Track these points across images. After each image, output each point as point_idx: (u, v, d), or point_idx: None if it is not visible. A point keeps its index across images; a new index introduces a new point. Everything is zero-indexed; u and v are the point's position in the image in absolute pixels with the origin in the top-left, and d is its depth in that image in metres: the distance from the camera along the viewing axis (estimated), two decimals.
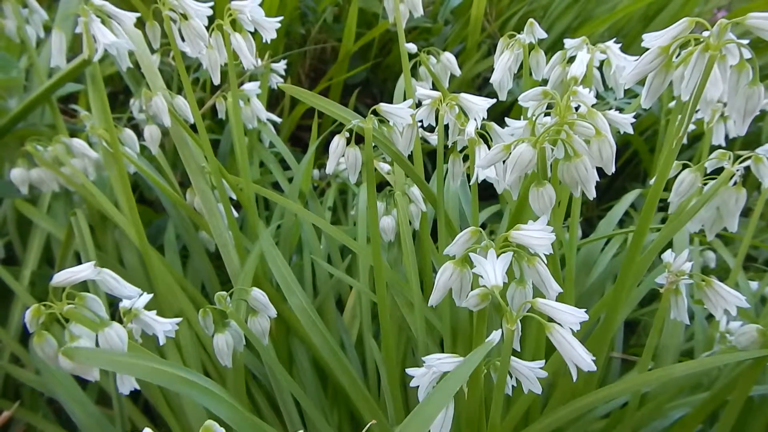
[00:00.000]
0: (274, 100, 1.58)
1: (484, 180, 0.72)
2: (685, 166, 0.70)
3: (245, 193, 0.89)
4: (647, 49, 0.53)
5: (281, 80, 1.32)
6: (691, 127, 1.04)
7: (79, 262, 0.98)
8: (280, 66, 1.31)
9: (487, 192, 1.30)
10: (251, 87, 1.09)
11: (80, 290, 0.59)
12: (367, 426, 0.42)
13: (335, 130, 1.52)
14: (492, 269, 0.51)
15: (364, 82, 1.77)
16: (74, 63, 0.95)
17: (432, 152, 1.46)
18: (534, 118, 0.62)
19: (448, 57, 0.98)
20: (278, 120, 1.24)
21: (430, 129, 0.79)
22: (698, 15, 1.99)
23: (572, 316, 0.48)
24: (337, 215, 1.36)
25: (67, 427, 0.89)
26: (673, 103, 1.09)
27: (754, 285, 1.05)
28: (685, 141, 1.03)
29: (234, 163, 1.31)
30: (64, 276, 0.54)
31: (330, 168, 0.71)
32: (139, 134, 1.02)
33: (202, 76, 1.40)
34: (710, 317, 0.93)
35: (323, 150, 1.16)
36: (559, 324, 0.49)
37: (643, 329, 1.22)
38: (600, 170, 0.58)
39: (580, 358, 0.48)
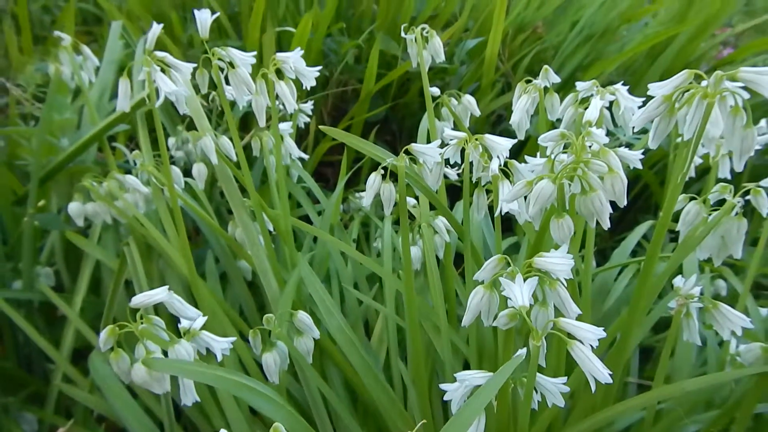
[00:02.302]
0: (298, 138, 1.67)
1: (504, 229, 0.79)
2: (691, 199, 0.76)
3: (282, 224, 0.96)
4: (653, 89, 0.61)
5: (308, 119, 1.41)
6: (699, 161, 1.12)
7: (129, 290, 1.06)
8: (308, 106, 1.39)
9: (503, 225, 1.37)
10: (285, 127, 1.18)
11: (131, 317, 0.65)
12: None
13: (359, 167, 1.60)
14: (520, 292, 0.57)
15: (382, 120, 1.86)
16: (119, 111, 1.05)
17: (450, 186, 1.54)
18: (553, 157, 0.69)
19: (469, 99, 1.06)
20: (306, 157, 1.33)
21: (455, 165, 0.87)
22: (704, 51, 2.07)
23: (591, 333, 0.55)
24: (361, 247, 1.43)
25: None
26: (680, 138, 1.16)
27: (763, 311, 1.10)
28: (693, 174, 1.10)
29: (265, 197, 1.39)
30: (142, 298, 0.61)
31: (368, 201, 0.78)
32: None
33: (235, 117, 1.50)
34: (722, 343, 0.99)
35: (345, 184, 1.24)
36: (579, 341, 0.55)
37: (658, 356, 1.27)
38: (613, 203, 0.65)
39: (598, 371, 0.54)
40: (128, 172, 1.05)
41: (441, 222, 1.00)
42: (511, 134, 0.87)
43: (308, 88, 0.89)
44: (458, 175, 0.93)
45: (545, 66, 0.90)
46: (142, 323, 0.62)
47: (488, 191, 0.90)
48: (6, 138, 1.31)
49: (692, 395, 0.79)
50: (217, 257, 1.11)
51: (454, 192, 1.12)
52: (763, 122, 1.44)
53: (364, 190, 1.40)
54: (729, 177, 1.04)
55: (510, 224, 1.55)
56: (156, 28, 0.82)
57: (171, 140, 1.32)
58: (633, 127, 0.64)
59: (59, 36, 1.20)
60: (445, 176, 1.11)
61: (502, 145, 0.76)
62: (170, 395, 0.86)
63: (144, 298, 0.61)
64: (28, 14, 1.69)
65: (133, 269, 0.93)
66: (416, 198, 1.09)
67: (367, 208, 1.37)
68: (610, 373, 0.54)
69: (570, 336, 0.55)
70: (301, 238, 1.29)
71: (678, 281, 0.75)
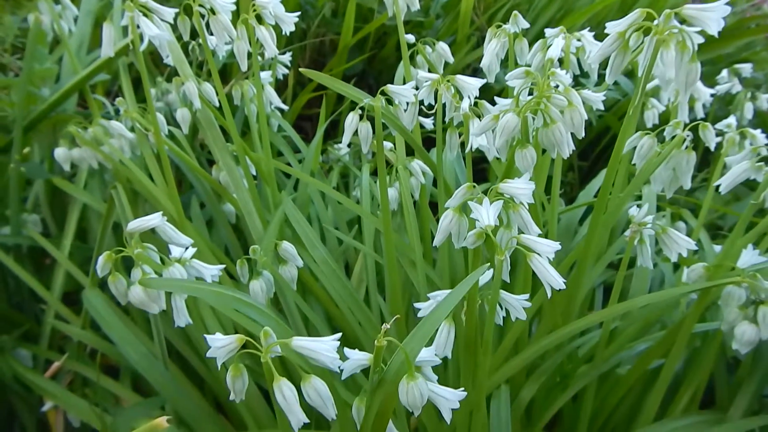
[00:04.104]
0: (276, 91, 1.69)
1: (475, 163, 0.84)
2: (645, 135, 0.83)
3: (265, 167, 1.01)
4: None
5: (287, 71, 1.44)
6: (662, 108, 1.18)
7: (116, 233, 1.10)
8: (286, 58, 1.42)
9: (478, 175, 1.43)
10: (265, 76, 1.21)
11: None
12: (392, 320, 0.53)
13: (335, 120, 1.64)
14: (486, 212, 0.63)
15: (360, 73, 1.88)
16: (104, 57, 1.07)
17: (425, 138, 1.58)
18: (518, 95, 0.74)
19: (443, 46, 1.10)
20: (285, 108, 1.36)
21: (429, 107, 0.91)
22: (674, 5, 2.12)
23: (548, 246, 0.61)
24: (340, 193, 1.48)
25: (108, 374, 1.01)
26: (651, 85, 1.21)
27: (717, 248, 1.18)
28: (657, 121, 1.16)
29: (246, 145, 1.43)
30: (138, 223, 0.65)
31: (346, 140, 0.83)
32: None
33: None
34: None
35: (324, 136, 1.28)
36: (537, 254, 0.61)
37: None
38: (582, 153, 0.71)
39: (554, 279, 0.60)
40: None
41: (417, 164, 1.05)
42: (488, 89, 0.92)
43: (288, 34, 0.93)
44: (433, 124, 0.98)
45: (514, 12, 0.94)
46: (137, 249, 0.66)
47: (460, 134, 0.95)
48: None
49: (644, 317, 0.87)
50: (202, 203, 1.15)
51: (429, 143, 1.17)
52: (724, 72, 1.51)
53: (341, 142, 1.45)
54: (686, 121, 1.10)
55: (485, 174, 1.61)
56: None
57: (152, 91, 1.34)
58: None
59: None
60: (422, 126, 1.16)
61: (472, 84, 0.81)
62: (162, 333, 0.91)
63: (139, 223, 0.65)
64: None
65: (121, 211, 0.97)
66: (393, 143, 1.13)
67: (346, 155, 1.42)
68: (564, 280, 0.60)
69: (530, 250, 0.61)
70: (282, 186, 1.33)
71: (633, 210, 0.81)
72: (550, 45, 0.93)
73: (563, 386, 0.85)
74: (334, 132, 1.70)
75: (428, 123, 1.07)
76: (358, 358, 0.58)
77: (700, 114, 1.12)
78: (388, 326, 0.51)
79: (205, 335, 0.53)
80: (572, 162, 1.72)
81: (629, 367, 0.88)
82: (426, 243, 1.06)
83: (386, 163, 1.15)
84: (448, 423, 0.56)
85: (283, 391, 0.50)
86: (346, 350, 0.58)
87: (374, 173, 1.28)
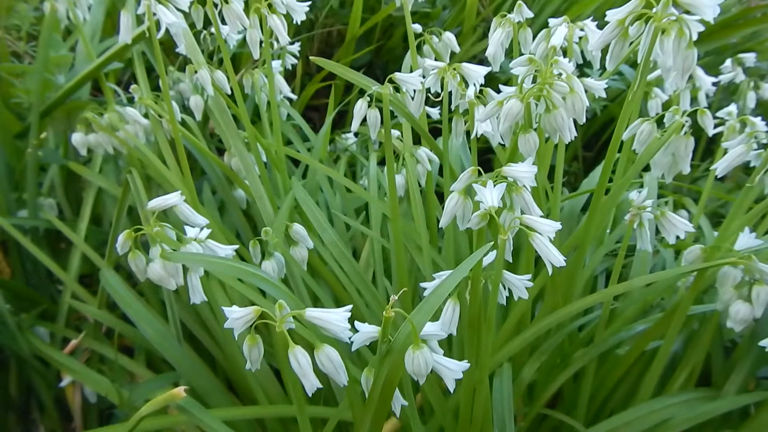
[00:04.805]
0: (285, 81, 1.72)
1: (480, 153, 0.86)
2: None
3: (277, 154, 1.03)
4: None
5: (295, 61, 1.46)
6: (665, 97, 1.20)
7: (130, 217, 1.13)
8: (295, 48, 1.44)
9: (483, 167, 1.45)
10: (275, 65, 1.23)
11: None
12: (400, 292, 0.56)
13: (343, 110, 1.67)
14: (489, 194, 0.66)
15: (367, 64, 1.91)
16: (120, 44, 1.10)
17: (431, 129, 1.61)
18: (521, 82, 0.77)
19: (449, 36, 1.12)
20: (294, 98, 1.39)
21: (436, 95, 0.94)
22: None
23: (549, 226, 0.64)
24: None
25: (123, 353, 1.04)
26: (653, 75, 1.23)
27: (716, 234, 1.21)
28: (660, 111, 1.18)
29: (258, 132, 1.46)
30: (158, 202, 0.68)
31: (355, 126, 0.86)
32: None
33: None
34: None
35: (332, 127, 1.31)
36: (539, 233, 0.64)
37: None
38: (587, 144, 0.73)
39: (554, 257, 0.63)
40: None
41: (423, 152, 1.08)
42: (493, 78, 0.95)
43: (298, 23, 0.95)
44: (439, 114, 1.01)
45: (519, 2, 0.97)
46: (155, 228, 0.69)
47: (466, 122, 0.98)
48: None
49: (643, 298, 0.90)
50: (213, 189, 1.18)
51: (435, 133, 1.20)
52: (728, 62, 1.52)
53: (349, 132, 1.47)
54: (688, 109, 1.12)
55: (489, 164, 1.64)
56: None
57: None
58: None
59: None
60: (428, 116, 1.19)
61: (477, 72, 0.83)
62: (176, 313, 0.95)
63: (159, 201, 0.68)
64: None
65: (136, 195, 1.00)
66: (400, 131, 1.16)
67: (353, 145, 1.44)
68: (564, 258, 0.63)
69: (532, 229, 0.64)
70: (291, 174, 1.36)
71: (633, 195, 0.84)
72: (554, 34, 0.96)
73: (564, 365, 0.88)
74: (341, 122, 1.73)
75: (434, 113, 1.09)
76: (368, 331, 0.61)
77: (703, 103, 1.14)
78: (396, 298, 0.54)
79: (223, 307, 0.56)
80: (576, 153, 1.75)
81: (629, 348, 0.91)
82: (432, 229, 1.09)
83: (393, 151, 1.18)
84: (452, 392, 0.59)
85: (298, 357, 0.53)
86: (357, 323, 0.61)
87: (381, 162, 1.31)
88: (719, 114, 1.10)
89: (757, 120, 1.01)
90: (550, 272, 0.63)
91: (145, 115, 1.10)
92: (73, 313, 1.13)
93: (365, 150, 1.48)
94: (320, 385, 0.54)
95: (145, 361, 1.05)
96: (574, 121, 0.75)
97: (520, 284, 0.72)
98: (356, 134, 1.48)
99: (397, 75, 0.86)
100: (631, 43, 0.70)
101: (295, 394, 0.59)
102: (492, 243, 0.66)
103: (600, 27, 1.01)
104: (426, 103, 0.98)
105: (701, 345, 0.86)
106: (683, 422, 0.80)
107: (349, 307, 0.57)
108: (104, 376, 0.96)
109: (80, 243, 1.10)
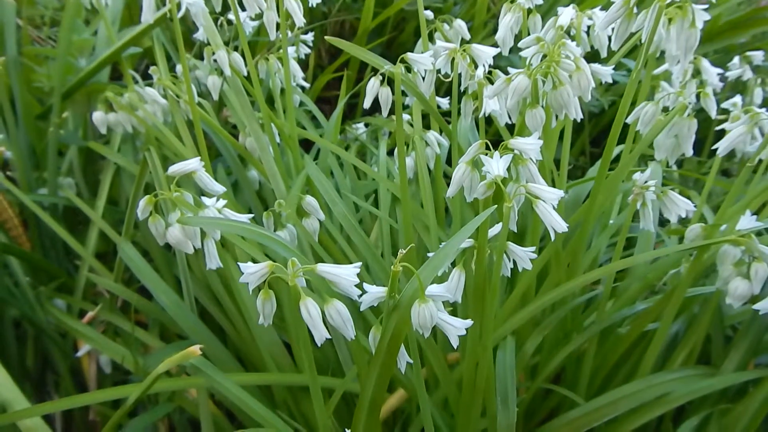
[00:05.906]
0: None
1: (488, 137, 0.89)
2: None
3: (291, 135, 1.06)
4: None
5: (308, 50, 1.50)
6: (672, 91, 1.21)
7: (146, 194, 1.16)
8: (308, 37, 1.48)
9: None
10: (290, 51, 1.27)
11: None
12: (408, 248, 0.59)
13: (353, 103, 1.69)
14: (496, 164, 0.68)
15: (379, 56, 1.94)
16: (143, 25, 1.13)
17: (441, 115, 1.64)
18: (529, 61, 0.79)
19: (460, 23, 1.15)
20: (307, 86, 1.42)
21: (446, 76, 0.96)
22: None
23: (552, 194, 0.66)
24: (358, 173, 1.54)
25: (137, 326, 1.08)
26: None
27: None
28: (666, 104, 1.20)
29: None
30: (178, 167, 0.71)
31: (367, 103, 0.88)
32: None
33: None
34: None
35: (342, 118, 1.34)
36: (542, 200, 0.66)
37: None
38: (595, 139, 0.76)
39: (557, 223, 0.65)
40: None
41: (432, 135, 1.11)
42: (501, 69, 0.97)
43: (314, 5, 0.98)
44: (448, 104, 1.03)
45: None
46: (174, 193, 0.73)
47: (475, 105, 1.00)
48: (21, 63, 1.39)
49: (645, 276, 0.92)
50: (227, 171, 1.22)
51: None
52: (736, 59, 1.54)
53: (360, 122, 1.50)
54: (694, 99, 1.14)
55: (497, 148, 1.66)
56: None
57: (179, 67, 1.40)
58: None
59: None
60: (438, 106, 1.21)
61: (486, 53, 0.86)
62: (191, 285, 0.98)
63: (180, 166, 0.71)
64: None
65: (154, 172, 1.03)
66: (410, 115, 1.19)
67: (363, 134, 1.47)
68: (567, 225, 0.65)
69: (536, 197, 0.67)
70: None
71: (636, 175, 0.86)
72: (561, 15, 0.98)
73: (566, 341, 0.90)
74: (351, 114, 1.76)
75: (444, 103, 1.12)
76: (376, 291, 0.64)
77: (684, 65, 1.15)
78: (404, 252, 0.57)
79: (239, 263, 0.59)
80: (584, 148, 1.77)
81: (629, 327, 0.93)
82: (439, 211, 1.11)
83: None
84: (455, 348, 0.62)
85: (309, 308, 0.56)
86: (365, 285, 0.64)
87: (391, 152, 1.34)
88: (724, 105, 1.12)
89: (762, 111, 1.03)
90: (552, 238, 0.66)
91: (164, 96, 1.13)
92: (90, 289, 1.17)
93: (375, 140, 1.51)
94: (329, 336, 0.57)
95: (158, 334, 1.08)
96: (584, 114, 0.78)
97: (524, 255, 0.75)
98: (366, 125, 1.51)
99: (409, 55, 0.89)
100: (636, 33, 0.73)
101: (307, 364, 0.62)
102: (496, 206, 0.69)
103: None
104: (436, 94, 1.01)
105: (701, 325, 0.88)
106: (681, 397, 0.82)
107: (359, 264, 0.59)
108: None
109: (98, 219, 1.13)
